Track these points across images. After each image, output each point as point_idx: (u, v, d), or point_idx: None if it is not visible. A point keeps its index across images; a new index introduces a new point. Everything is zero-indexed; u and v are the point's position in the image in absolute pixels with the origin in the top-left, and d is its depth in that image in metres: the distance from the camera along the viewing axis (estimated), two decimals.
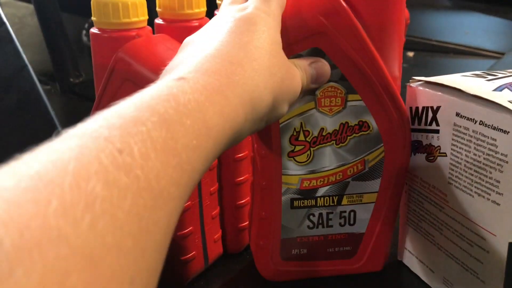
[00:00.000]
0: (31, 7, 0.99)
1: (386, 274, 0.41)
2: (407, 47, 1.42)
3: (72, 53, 0.97)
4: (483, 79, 0.36)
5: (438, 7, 1.70)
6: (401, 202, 0.41)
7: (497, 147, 0.30)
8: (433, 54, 1.26)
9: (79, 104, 0.92)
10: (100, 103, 0.46)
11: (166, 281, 0.47)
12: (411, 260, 0.41)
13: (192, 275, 0.48)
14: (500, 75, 0.36)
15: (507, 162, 0.30)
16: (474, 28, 1.50)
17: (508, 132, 0.29)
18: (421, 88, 0.37)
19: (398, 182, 0.38)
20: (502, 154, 0.30)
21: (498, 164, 0.30)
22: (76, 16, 1.13)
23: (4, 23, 0.51)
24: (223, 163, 0.49)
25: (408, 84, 0.39)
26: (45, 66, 0.94)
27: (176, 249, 0.46)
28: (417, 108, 0.37)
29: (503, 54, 1.11)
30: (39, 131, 0.42)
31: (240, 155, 0.49)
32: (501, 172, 0.30)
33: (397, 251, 0.43)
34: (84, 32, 1.10)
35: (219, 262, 0.52)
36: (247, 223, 0.47)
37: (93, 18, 0.44)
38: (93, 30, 0.45)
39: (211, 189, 0.48)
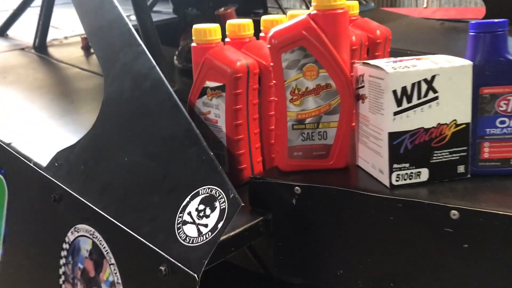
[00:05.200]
0: None
1: (347, 169, 0.75)
2: None
3: (169, 72, 1.40)
4: (389, 59, 0.70)
5: None
6: (355, 129, 0.75)
7: (380, 86, 0.65)
8: None
9: None
10: (195, 84, 0.84)
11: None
12: (361, 161, 0.75)
13: (244, 180, 0.84)
14: (402, 59, 0.71)
15: (383, 91, 0.64)
16: None
17: (383, 78, 0.64)
18: (357, 65, 0.72)
19: (349, 116, 0.73)
20: (381, 90, 0.65)
21: (380, 95, 0.65)
22: (169, 47, 1.56)
23: (140, 45, 0.92)
24: (263, 102, 0.84)
25: (354, 64, 0.74)
26: None
27: (235, 162, 0.82)
28: (357, 76, 0.72)
29: None
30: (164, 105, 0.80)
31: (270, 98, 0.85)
32: (382, 98, 0.65)
33: (355, 159, 0.77)
34: (175, 57, 1.53)
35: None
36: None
37: (193, 38, 0.83)
38: (193, 44, 0.83)
39: (254, 116, 0.83)
